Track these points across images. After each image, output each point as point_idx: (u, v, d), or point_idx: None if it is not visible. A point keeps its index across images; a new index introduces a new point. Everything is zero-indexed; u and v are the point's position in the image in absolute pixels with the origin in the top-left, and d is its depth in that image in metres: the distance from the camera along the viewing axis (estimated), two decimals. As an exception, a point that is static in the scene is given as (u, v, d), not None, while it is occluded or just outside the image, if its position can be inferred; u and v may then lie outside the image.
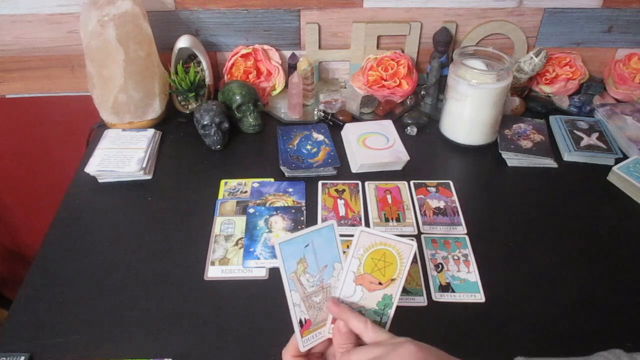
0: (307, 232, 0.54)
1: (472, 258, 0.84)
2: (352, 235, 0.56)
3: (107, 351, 0.70)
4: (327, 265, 0.56)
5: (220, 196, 0.95)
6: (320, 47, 1.22)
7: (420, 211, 0.93)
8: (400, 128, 1.10)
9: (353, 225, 0.90)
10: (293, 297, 0.54)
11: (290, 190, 0.96)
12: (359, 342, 0.54)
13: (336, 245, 0.56)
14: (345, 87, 1.26)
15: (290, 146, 1.05)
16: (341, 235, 0.57)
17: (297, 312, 0.54)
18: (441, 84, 1.16)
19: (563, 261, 0.84)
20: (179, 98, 1.16)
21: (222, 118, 1.03)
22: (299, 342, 0.54)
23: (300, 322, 0.54)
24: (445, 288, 0.79)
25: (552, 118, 1.16)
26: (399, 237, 0.55)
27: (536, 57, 1.15)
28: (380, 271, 0.55)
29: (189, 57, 1.17)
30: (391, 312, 0.56)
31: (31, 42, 1.18)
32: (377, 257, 0.55)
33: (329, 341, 0.56)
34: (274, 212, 0.91)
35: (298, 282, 0.54)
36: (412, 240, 0.68)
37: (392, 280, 0.55)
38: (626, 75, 1.19)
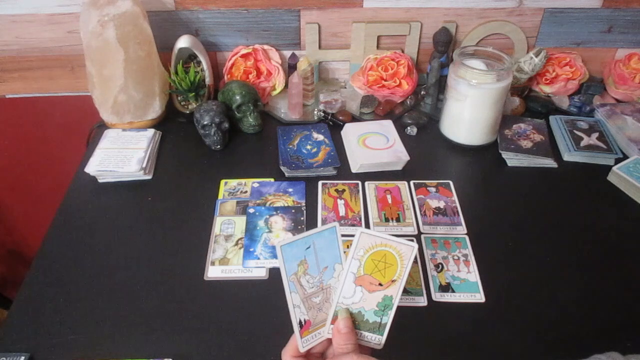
0: (309, 234, 0.54)
1: (472, 258, 0.84)
2: (352, 235, 0.56)
3: (107, 351, 0.70)
4: (327, 266, 0.56)
5: (220, 196, 0.95)
6: (320, 47, 1.22)
7: (420, 211, 0.93)
8: (400, 128, 1.10)
9: (353, 225, 0.90)
10: (293, 299, 0.54)
11: (290, 190, 0.96)
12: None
13: (338, 247, 0.56)
14: (345, 87, 1.26)
15: (290, 146, 1.05)
16: (341, 235, 0.57)
17: (297, 313, 0.54)
18: (441, 84, 1.16)
19: (563, 261, 0.84)
20: (179, 98, 1.16)
21: (222, 118, 1.03)
22: (299, 343, 0.54)
23: (300, 322, 0.54)
24: (445, 288, 0.79)
25: (552, 118, 1.16)
26: (400, 238, 0.55)
27: (536, 57, 1.15)
28: (380, 272, 0.55)
29: (189, 57, 1.17)
30: (391, 313, 0.55)
31: (31, 42, 1.17)
32: (377, 259, 0.55)
33: (329, 341, 0.56)
34: (274, 212, 0.91)
35: (298, 284, 0.54)
36: (414, 241, 0.68)
37: (393, 281, 0.55)
38: (626, 75, 1.19)
